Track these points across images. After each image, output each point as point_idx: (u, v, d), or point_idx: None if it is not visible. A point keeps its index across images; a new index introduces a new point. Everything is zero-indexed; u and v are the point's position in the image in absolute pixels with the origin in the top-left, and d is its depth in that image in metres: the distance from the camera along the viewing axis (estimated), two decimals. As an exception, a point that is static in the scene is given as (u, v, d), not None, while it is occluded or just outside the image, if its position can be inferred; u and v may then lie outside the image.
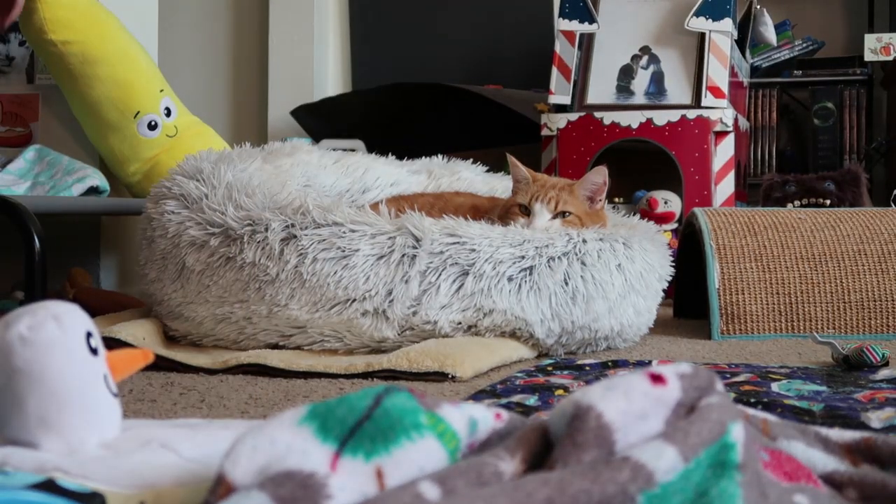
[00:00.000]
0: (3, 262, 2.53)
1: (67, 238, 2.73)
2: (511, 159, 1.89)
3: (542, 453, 0.61)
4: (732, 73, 3.02)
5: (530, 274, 1.64)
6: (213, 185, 1.75)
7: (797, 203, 3.11)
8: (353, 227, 1.64)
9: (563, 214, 1.79)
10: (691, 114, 2.92)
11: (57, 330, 0.73)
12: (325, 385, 1.41)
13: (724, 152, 2.93)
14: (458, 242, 1.63)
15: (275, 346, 1.66)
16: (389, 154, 2.30)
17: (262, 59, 4.17)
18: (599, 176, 1.83)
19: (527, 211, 1.80)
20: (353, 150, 2.50)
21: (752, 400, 1.16)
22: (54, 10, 2.32)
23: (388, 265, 1.61)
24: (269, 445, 0.58)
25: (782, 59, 3.92)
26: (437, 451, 0.61)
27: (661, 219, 2.91)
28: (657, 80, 3.01)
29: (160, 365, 1.52)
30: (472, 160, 2.30)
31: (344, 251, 1.62)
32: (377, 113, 3.63)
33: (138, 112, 2.43)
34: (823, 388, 1.27)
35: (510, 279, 1.63)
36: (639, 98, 3.02)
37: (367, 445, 0.59)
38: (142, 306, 1.98)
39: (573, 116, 3.00)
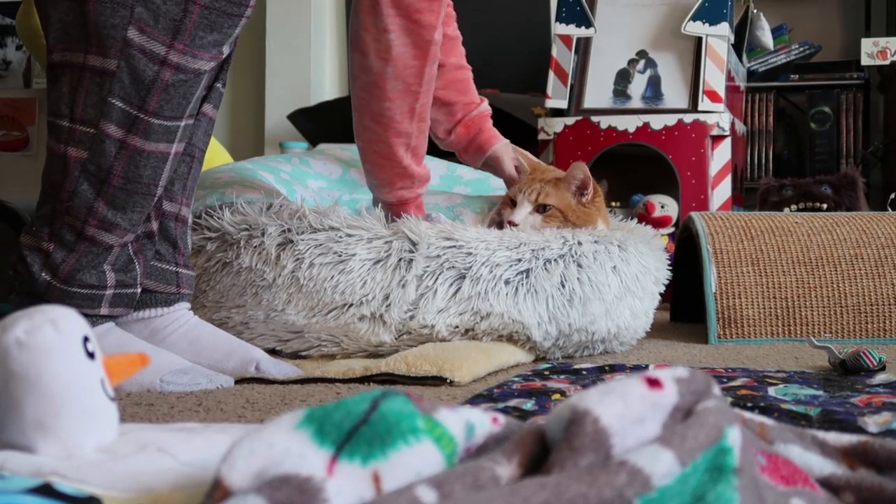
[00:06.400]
0: (0, 264, 2.52)
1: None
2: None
3: (539, 458, 0.61)
4: (729, 78, 3.02)
5: (527, 277, 1.64)
6: (211, 190, 1.75)
7: (794, 207, 3.11)
8: (350, 231, 1.64)
9: (543, 208, 1.78)
10: (688, 118, 2.92)
11: (54, 334, 0.73)
12: (322, 389, 1.41)
13: (720, 156, 2.94)
14: (454, 246, 1.63)
15: (272, 351, 1.66)
16: (386, 158, 2.30)
17: (260, 64, 4.17)
18: (579, 171, 1.80)
19: (514, 204, 1.81)
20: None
21: (749, 404, 1.16)
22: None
23: (385, 269, 1.61)
24: (266, 449, 0.58)
25: (779, 63, 3.92)
26: (433, 455, 0.61)
27: (658, 223, 2.91)
28: (654, 84, 3.02)
29: (157, 369, 1.52)
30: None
31: (340, 256, 1.62)
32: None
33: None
34: (820, 392, 1.27)
35: (507, 282, 1.63)
36: (635, 102, 3.02)
37: (364, 450, 0.59)
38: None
39: (570, 120, 3.01)
